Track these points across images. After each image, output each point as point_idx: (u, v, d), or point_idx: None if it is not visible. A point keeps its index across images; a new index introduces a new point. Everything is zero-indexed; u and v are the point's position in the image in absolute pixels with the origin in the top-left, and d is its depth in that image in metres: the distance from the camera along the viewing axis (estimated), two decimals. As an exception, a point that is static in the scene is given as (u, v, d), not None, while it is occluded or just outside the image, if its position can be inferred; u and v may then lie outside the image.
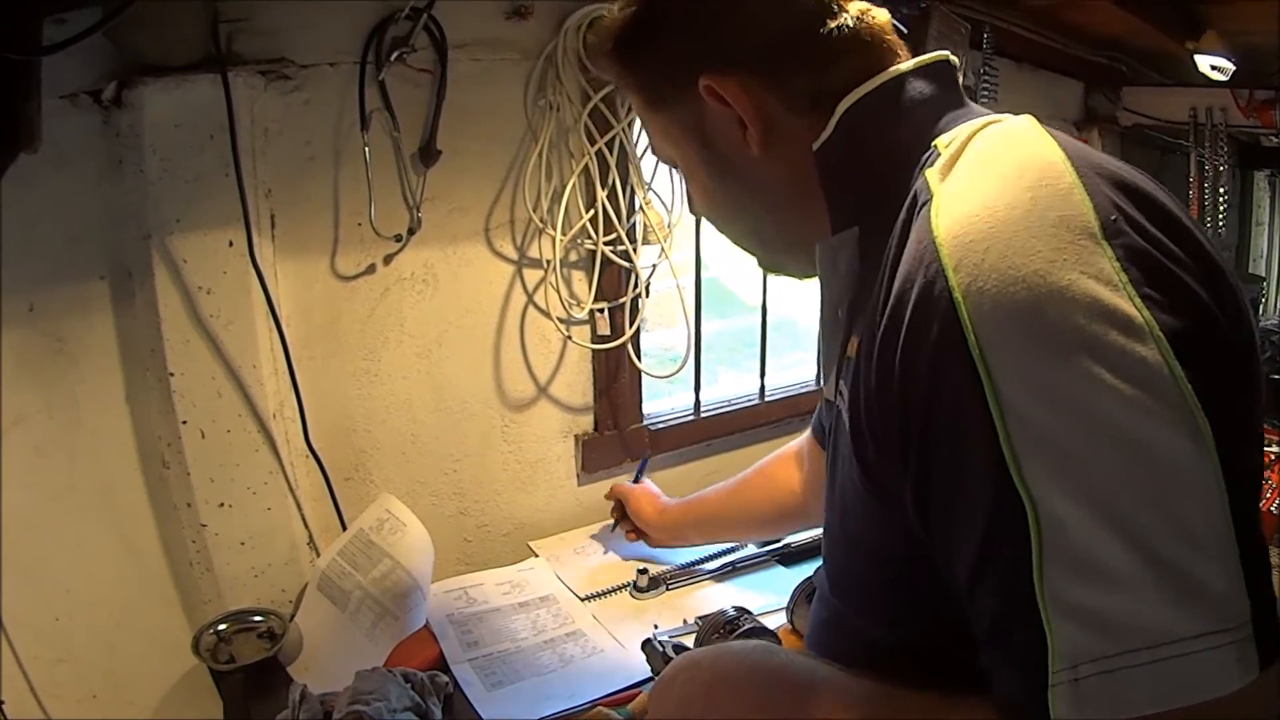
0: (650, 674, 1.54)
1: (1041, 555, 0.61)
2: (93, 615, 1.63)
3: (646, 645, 1.52)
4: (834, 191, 0.89)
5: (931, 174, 0.74)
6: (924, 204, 0.72)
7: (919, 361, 0.68)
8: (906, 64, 0.88)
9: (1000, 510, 0.63)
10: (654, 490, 1.97)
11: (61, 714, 1.62)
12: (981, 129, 0.77)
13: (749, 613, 1.55)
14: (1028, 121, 0.77)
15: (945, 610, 0.74)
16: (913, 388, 0.69)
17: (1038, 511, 0.61)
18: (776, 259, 1.04)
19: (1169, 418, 0.60)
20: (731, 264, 2.54)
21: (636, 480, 2.01)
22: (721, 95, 0.88)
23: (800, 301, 2.68)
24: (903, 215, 0.75)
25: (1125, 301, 0.62)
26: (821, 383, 1.07)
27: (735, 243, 1.05)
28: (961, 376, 0.64)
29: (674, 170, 1.07)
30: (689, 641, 1.55)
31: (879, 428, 0.74)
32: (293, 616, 1.69)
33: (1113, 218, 0.65)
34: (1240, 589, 0.60)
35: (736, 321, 2.66)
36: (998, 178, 0.70)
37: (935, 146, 0.78)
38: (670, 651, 1.47)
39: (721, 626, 1.50)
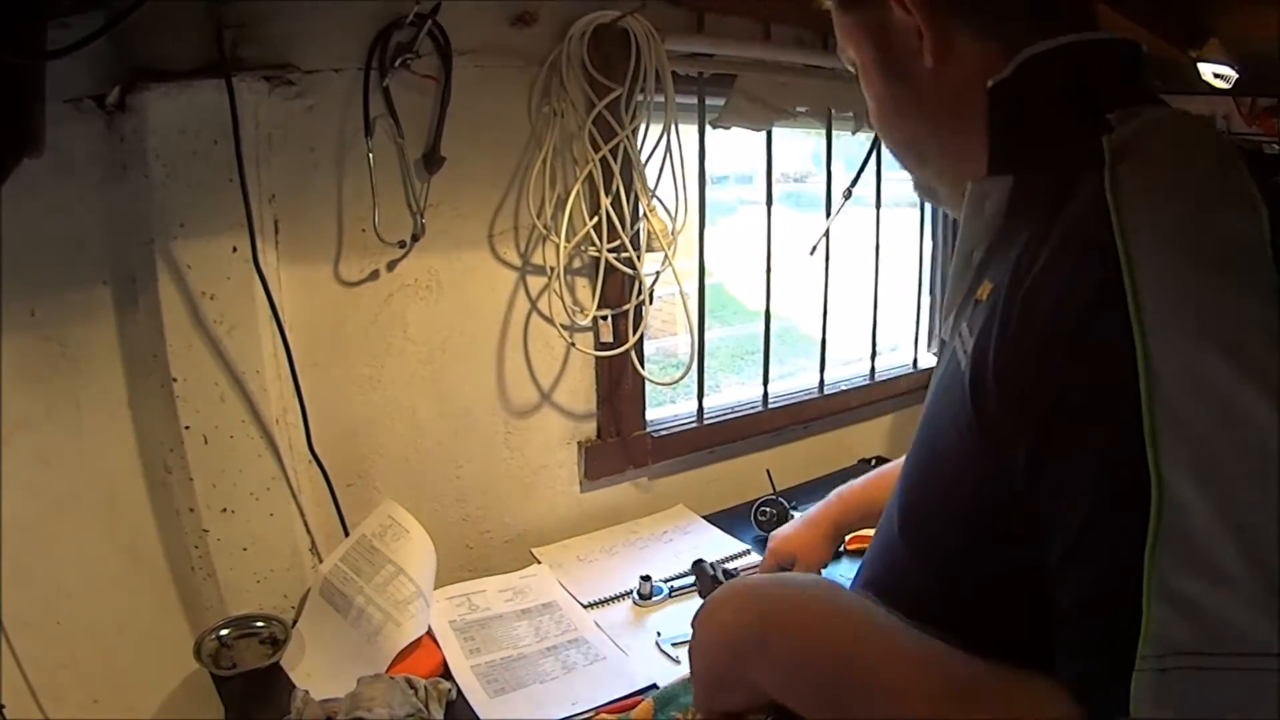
0: (650, 681, 1.56)
1: (1158, 536, 0.59)
2: (94, 620, 1.63)
3: (697, 566, 1.52)
4: (999, 134, 0.87)
5: (1111, 142, 0.72)
6: (1104, 169, 0.70)
7: (1071, 312, 0.66)
8: (1099, 35, 0.85)
9: (1124, 483, 0.61)
10: (794, 528, 1.80)
11: (62, 718, 1.62)
12: (1166, 115, 0.76)
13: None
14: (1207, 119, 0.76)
15: (1001, 570, 0.75)
16: (1059, 341, 0.67)
17: (1164, 494, 0.59)
18: (930, 183, 1.00)
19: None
20: (735, 271, 2.54)
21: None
22: (905, 3, 0.87)
23: (803, 308, 2.68)
24: (1073, 177, 0.73)
25: None
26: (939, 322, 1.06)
27: (897, 156, 1.03)
28: (1114, 338, 0.62)
29: (854, 70, 1.05)
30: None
31: (1009, 377, 0.72)
32: (295, 622, 1.69)
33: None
34: None
35: (739, 328, 2.67)
36: (1188, 159, 0.69)
37: (1111, 120, 0.75)
38: (721, 575, 1.46)
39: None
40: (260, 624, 1.64)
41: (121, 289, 1.55)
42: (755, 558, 2.02)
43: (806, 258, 2.45)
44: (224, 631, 1.61)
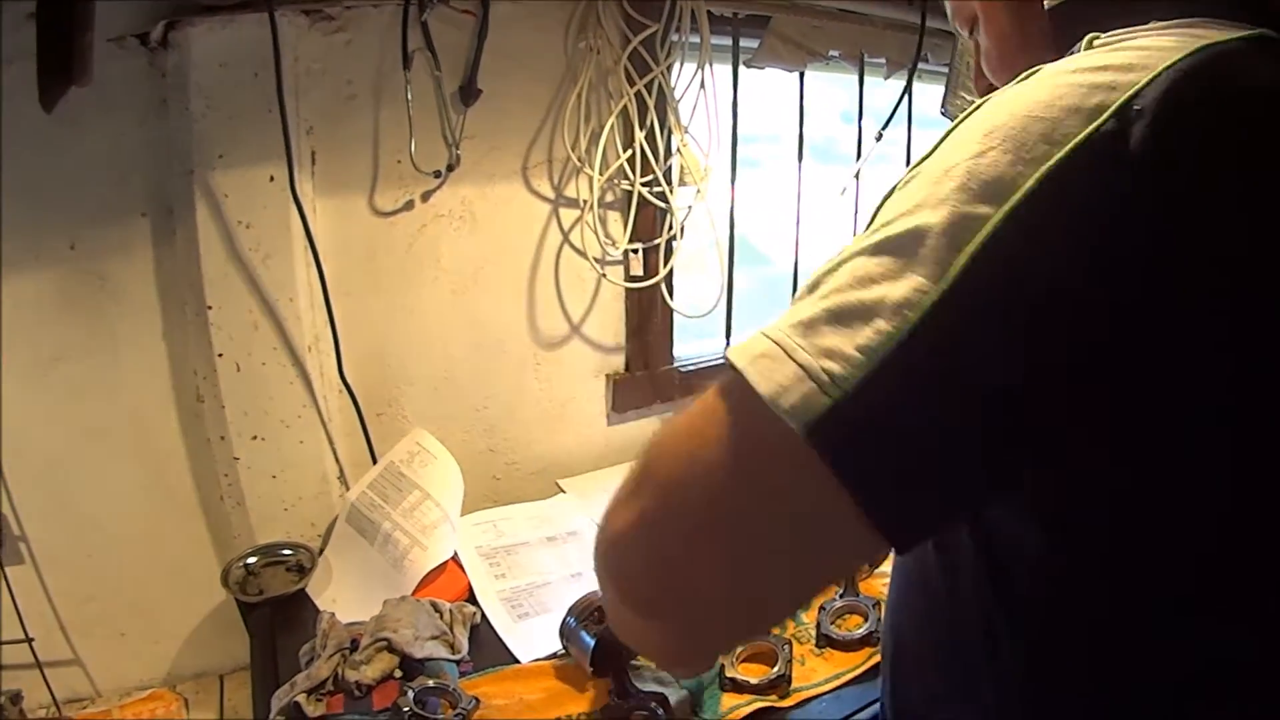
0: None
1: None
2: (123, 551, 1.70)
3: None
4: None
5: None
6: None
7: None
8: None
9: None
10: None
11: (90, 652, 1.70)
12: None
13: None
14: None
15: None
16: None
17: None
18: None
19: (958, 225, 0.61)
20: (760, 221, 2.56)
21: None
22: None
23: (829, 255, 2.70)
24: None
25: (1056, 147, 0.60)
26: None
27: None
28: None
29: (971, 34, 1.07)
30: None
31: None
32: (322, 550, 1.75)
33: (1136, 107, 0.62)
34: (858, 373, 0.59)
35: (765, 280, 2.70)
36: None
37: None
38: None
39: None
40: (287, 552, 1.69)
41: (160, 221, 1.60)
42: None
43: (835, 203, 2.47)
44: (251, 560, 1.66)
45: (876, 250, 0.63)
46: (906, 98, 2.38)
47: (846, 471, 0.59)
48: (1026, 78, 0.68)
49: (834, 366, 0.59)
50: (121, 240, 1.58)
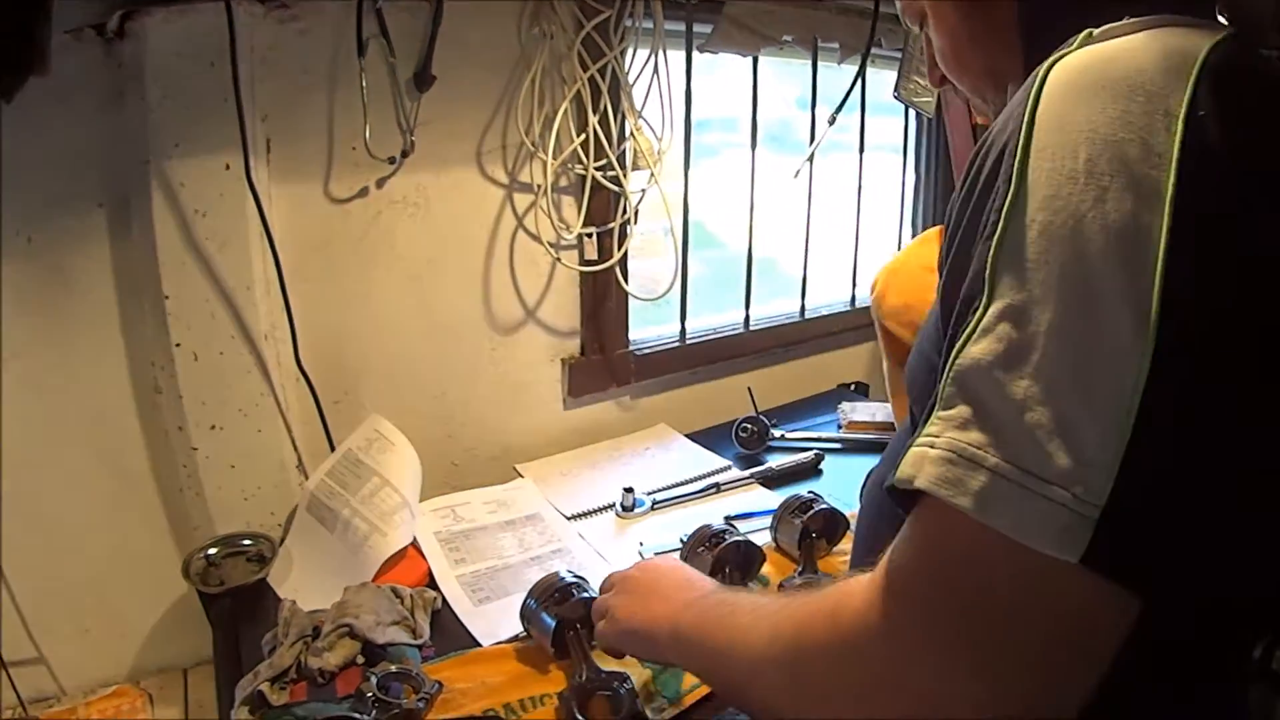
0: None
1: (976, 328, 0.66)
2: (84, 546, 1.69)
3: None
4: (1029, 40, 0.91)
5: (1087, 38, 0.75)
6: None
7: (972, 162, 0.73)
8: None
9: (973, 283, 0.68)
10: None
11: (53, 650, 1.69)
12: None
13: (734, 527, 1.64)
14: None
15: None
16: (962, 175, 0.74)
17: (994, 291, 0.65)
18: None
19: (1126, 280, 0.61)
20: (713, 206, 2.58)
21: None
22: None
23: (784, 247, 2.73)
24: None
25: (1162, 170, 0.62)
26: None
27: (976, 93, 1.04)
28: (993, 183, 0.69)
29: (922, 29, 1.07)
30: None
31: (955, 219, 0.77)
32: (282, 539, 1.75)
33: (1201, 112, 0.64)
34: (1108, 474, 0.60)
35: (717, 262, 2.72)
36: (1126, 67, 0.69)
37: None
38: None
39: (707, 539, 1.59)
40: (248, 542, 1.68)
41: (116, 212, 1.59)
42: (736, 472, 2.11)
43: (789, 186, 2.50)
44: (212, 551, 1.65)
45: (1049, 340, 0.63)
46: (860, 82, 2.41)
47: (1125, 577, 0.62)
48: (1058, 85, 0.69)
49: (1080, 488, 0.60)
50: (78, 232, 1.57)
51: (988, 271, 0.66)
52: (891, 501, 0.72)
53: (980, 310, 0.66)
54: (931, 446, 0.65)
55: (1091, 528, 0.59)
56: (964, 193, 0.74)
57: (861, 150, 2.75)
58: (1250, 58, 0.71)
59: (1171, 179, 0.61)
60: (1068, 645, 0.63)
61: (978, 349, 0.65)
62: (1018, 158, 0.67)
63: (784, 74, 2.58)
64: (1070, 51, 0.71)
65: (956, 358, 0.66)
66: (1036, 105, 0.68)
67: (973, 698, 0.63)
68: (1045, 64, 0.70)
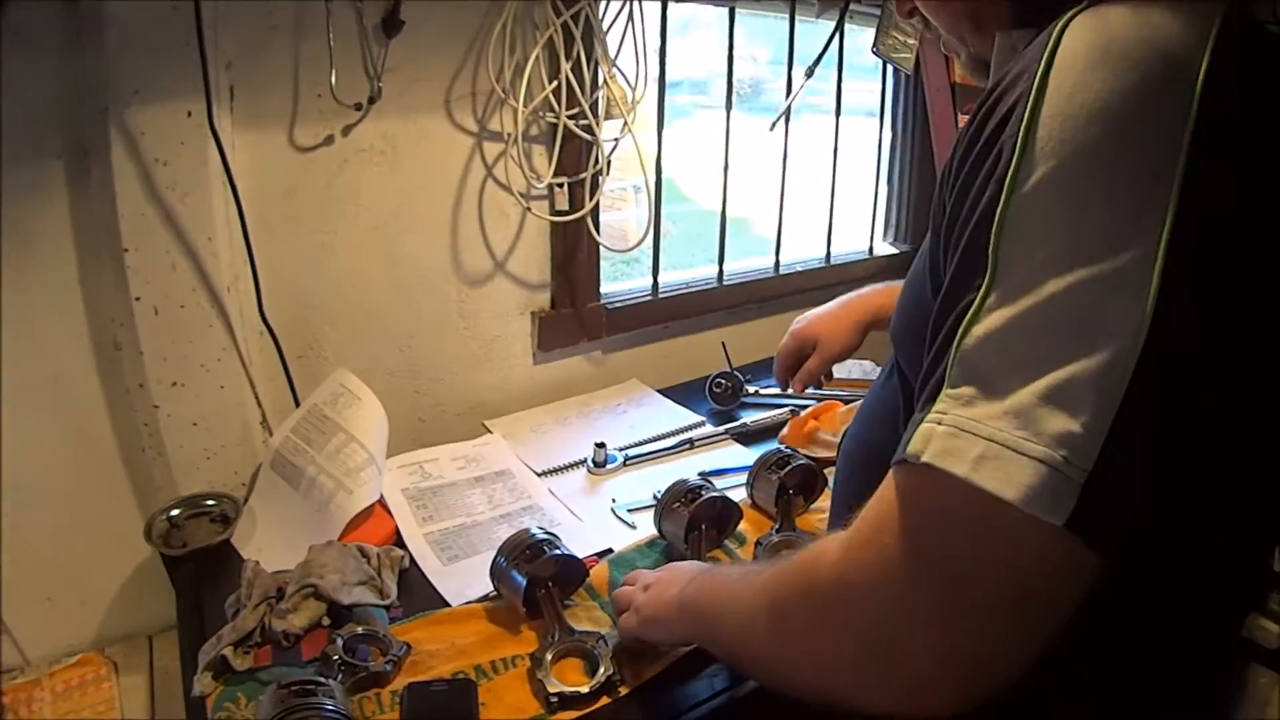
0: (606, 545, 1.64)
1: (980, 307, 0.68)
2: (45, 510, 1.67)
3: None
4: None
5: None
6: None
7: (978, 120, 0.73)
8: None
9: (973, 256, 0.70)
10: (823, 310, 1.90)
11: (16, 619, 1.67)
12: None
13: (711, 483, 1.63)
14: None
15: None
16: (963, 136, 0.74)
17: (997, 269, 0.67)
18: (985, 55, 1.03)
19: (1129, 256, 0.63)
20: (684, 162, 2.57)
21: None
22: None
23: (758, 207, 2.72)
24: None
25: (1175, 147, 0.63)
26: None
27: (952, 34, 1.02)
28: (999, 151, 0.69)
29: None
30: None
31: (946, 171, 0.78)
32: (246, 499, 1.73)
33: (1218, 82, 0.65)
34: (1097, 441, 0.62)
35: (687, 217, 2.71)
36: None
37: None
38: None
39: (683, 495, 1.58)
40: (211, 502, 1.68)
41: (75, 163, 1.55)
42: (710, 429, 2.11)
43: (763, 144, 2.49)
44: (174, 512, 1.64)
45: (1049, 315, 0.65)
46: (838, 36, 2.39)
47: (1097, 538, 0.64)
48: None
49: (1068, 451, 0.62)
50: (35, 184, 1.53)
51: (990, 248, 0.67)
52: (871, 460, 0.73)
53: (984, 288, 0.67)
54: (939, 424, 0.67)
55: (1078, 491, 0.62)
56: (966, 146, 0.74)
57: (838, 111, 2.72)
58: (1259, 27, 0.72)
59: (1184, 155, 0.62)
60: (1031, 605, 0.66)
61: (981, 328, 0.67)
62: (1024, 124, 0.67)
63: (757, 34, 2.57)
64: (1085, 9, 0.70)
65: (962, 338, 0.68)
66: (1049, 68, 0.67)
67: (933, 648, 0.67)
68: (1060, 22, 0.70)
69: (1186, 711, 0.90)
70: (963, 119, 2.63)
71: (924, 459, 0.67)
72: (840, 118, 2.73)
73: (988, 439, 0.64)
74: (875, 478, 0.74)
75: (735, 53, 2.39)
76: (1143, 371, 0.62)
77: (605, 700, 1.27)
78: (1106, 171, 0.64)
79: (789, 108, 2.44)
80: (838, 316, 1.82)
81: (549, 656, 1.30)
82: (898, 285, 1.52)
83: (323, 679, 1.16)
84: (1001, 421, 0.64)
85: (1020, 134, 0.67)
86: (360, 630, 1.34)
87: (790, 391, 1.93)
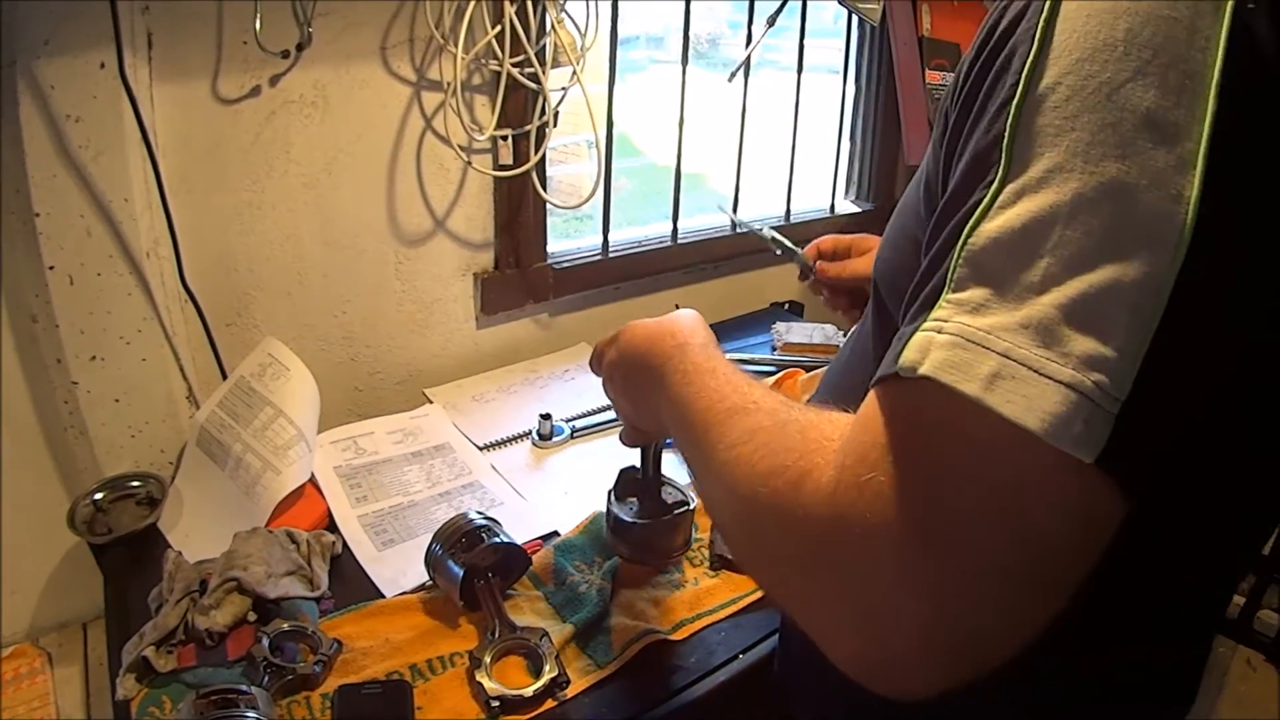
0: (550, 528, 1.64)
1: (988, 209, 0.62)
2: None
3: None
4: None
5: None
6: None
7: (982, 39, 0.69)
8: None
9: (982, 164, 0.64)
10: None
11: None
12: None
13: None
14: None
15: None
16: (968, 58, 0.71)
17: (1012, 161, 0.61)
18: None
19: (1164, 158, 0.58)
20: (639, 120, 2.55)
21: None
22: None
23: (714, 163, 2.71)
24: None
25: (1209, 54, 0.59)
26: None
27: None
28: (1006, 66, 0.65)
29: None
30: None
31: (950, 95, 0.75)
32: (173, 479, 1.71)
33: (1250, 4, 0.61)
34: (1133, 366, 0.57)
35: (637, 172, 2.69)
36: None
37: None
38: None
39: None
40: (136, 483, 1.66)
41: (-22, 127, 1.51)
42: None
43: (721, 99, 2.47)
44: (99, 495, 1.62)
45: (1074, 214, 0.59)
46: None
47: (1130, 478, 0.58)
48: None
49: (1100, 377, 0.56)
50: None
51: (1005, 140, 0.62)
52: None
53: (996, 183, 0.61)
54: (939, 331, 0.60)
55: (1111, 422, 0.56)
56: (976, 51, 0.70)
57: (800, 67, 2.70)
58: None
59: (1218, 65, 0.58)
60: (1046, 566, 0.60)
61: (993, 225, 0.61)
62: (1043, 15, 0.62)
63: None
64: None
65: (969, 236, 0.62)
66: None
67: (920, 616, 0.60)
68: None
69: (1166, 686, 0.90)
70: (931, 74, 2.63)
71: (922, 371, 0.60)
72: (802, 74, 2.71)
73: (1002, 354, 0.57)
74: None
75: (693, 6, 2.36)
76: (1183, 288, 0.56)
77: (550, 704, 1.26)
78: (1136, 64, 0.59)
79: (748, 58, 2.42)
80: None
81: (488, 657, 1.29)
82: None
83: (244, 687, 1.15)
84: (1019, 335, 0.57)
85: (1039, 25, 0.62)
86: (287, 627, 1.33)
87: (811, 265, 1.88)
